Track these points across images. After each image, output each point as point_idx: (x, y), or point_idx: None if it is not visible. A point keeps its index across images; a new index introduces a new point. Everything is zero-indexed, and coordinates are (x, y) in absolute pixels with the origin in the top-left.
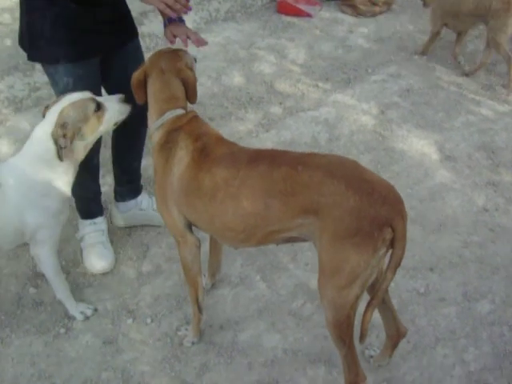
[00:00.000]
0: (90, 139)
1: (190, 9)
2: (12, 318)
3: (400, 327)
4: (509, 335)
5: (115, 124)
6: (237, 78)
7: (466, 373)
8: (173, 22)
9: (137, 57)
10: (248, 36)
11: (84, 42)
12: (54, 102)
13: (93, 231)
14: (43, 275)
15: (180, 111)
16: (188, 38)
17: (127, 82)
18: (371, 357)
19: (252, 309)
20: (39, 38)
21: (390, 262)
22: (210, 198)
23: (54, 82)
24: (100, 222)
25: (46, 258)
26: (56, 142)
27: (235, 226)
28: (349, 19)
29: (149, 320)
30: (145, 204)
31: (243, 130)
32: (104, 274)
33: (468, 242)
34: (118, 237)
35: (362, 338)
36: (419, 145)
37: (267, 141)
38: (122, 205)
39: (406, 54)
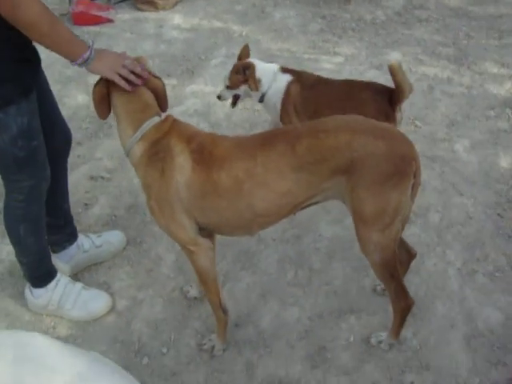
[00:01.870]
0: None
1: (145, 78)
2: None
3: (410, 250)
4: None
5: None
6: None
7: None
8: None
9: None
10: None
11: (28, 71)
12: None
13: (65, 286)
14: None
15: (157, 118)
16: None
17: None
18: (384, 290)
19: (253, 297)
20: None
21: (412, 190)
22: (234, 193)
23: (2, 131)
24: (60, 275)
25: None
26: None
27: (267, 211)
28: (151, 15)
29: (164, 350)
30: (87, 245)
31: None
32: (84, 329)
33: None
34: None
35: None
36: None
37: None
38: (63, 254)
39: (227, 34)
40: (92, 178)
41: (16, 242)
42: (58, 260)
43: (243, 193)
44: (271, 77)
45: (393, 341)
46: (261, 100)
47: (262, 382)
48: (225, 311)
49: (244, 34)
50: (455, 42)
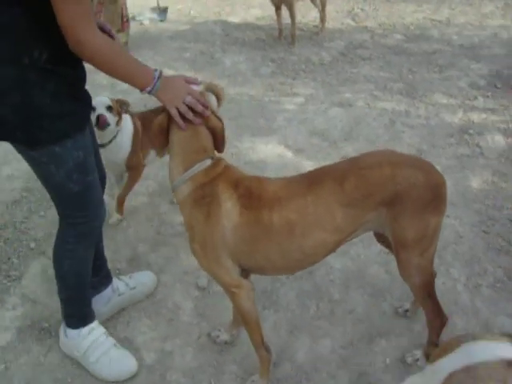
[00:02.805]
0: None
1: (205, 116)
2: None
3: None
4: None
5: None
6: None
7: None
8: None
9: None
10: None
11: (83, 107)
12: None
13: (97, 338)
14: None
15: (209, 161)
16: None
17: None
18: (406, 311)
19: (283, 334)
20: (39, 118)
21: None
22: (286, 235)
23: (59, 164)
24: (97, 325)
25: None
26: None
27: (316, 250)
28: None
29: None
30: (122, 287)
31: None
32: None
33: None
34: None
35: None
36: None
37: None
38: (98, 298)
39: None
40: None
41: (59, 276)
42: (95, 303)
43: (295, 234)
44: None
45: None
46: None
47: None
48: (267, 350)
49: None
50: (401, 77)
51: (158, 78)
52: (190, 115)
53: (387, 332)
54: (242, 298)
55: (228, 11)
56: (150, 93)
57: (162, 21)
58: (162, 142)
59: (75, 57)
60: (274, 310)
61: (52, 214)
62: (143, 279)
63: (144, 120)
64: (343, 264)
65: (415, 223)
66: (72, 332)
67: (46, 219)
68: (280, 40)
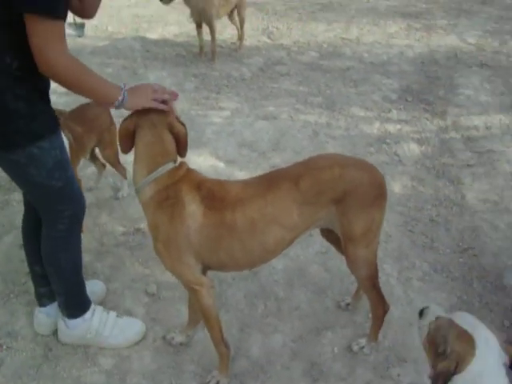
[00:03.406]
0: None
1: (177, 95)
2: None
3: None
4: None
5: None
6: None
7: None
8: None
9: None
10: None
11: (52, 109)
12: None
13: (102, 315)
14: None
15: (172, 165)
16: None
17: None
18: (348, 304)
19: (235, 333)
20: (15, 120)
21: None
22: (248, 233)
23: (39, 165)
24: (95, 305)
25: None
26: None
27: (276, 246)
28: None
29: None
30: None
31: None
32: None
33: None
34: None
35: None
36: None
37: None
38: (50, 308)
39: None
40: None
41: (55, 272)
42: (45, 315)
43: (256, 232)
44: None
45: (373, 343)
46: None
47: None
48: (227, 346)
49: None
50: (320, 91)
51: (124, 89)
52: (162, 106)
53: (332, 325)
54: (203, 295)
55: (145, 28)
56: (121, 103)
57: (79, 36)
58: (128, 147)
59: None
60: (224, 311)
61: None
62: (92, 288)
63: (76, 119)
64: (285, 265)
65: (362, 218)
66: (76, 321)
67: None
68: (200, 56)
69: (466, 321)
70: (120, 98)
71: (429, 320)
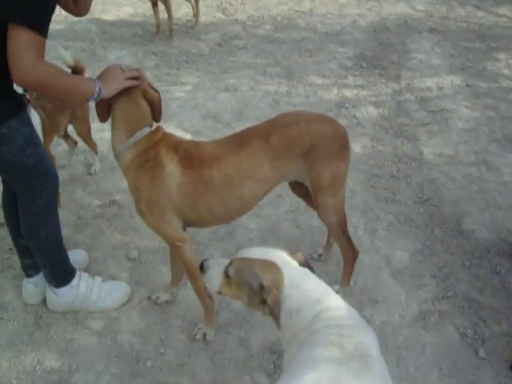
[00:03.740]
0: None
1: (141, 70)
2: None
3: None
4: None
5: None
6: None
7: None
8: None
9: None
10: None
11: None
12: None
13: (88, 281)
14: None
15: (149, 129)
16: None
17: None
18: (320, 255)
19: None
20: None
21: None
22: (226, 188)
23: (10, 143)
24: (80, 272)
25: None
26: None
27: (252, 198)
28: None
29: (162, 350)
30: None
31: None
32: (74, 356)
33: None
34: None
35: None
36: None
37: None
38: (38, 278)
39: None
40: None
41: (38, 246)
42: (33, 285)
43: (233, 186)
44: None
45: (345, 288)
46: None
47: (259, 349)
48: (210, 297)
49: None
50: (278, 62)
51: (97, 79)
52: (136, 82)
53: None
54: (185, 250)
55: (100, 10)
56: (99, 95)
57: None
58: (105, 116)
59: None
60: None
61: None
62: (75, 257)
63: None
64: (258, 224)
65: (328, 168)
66: (63, 289)
67: None
68: (158, 35)
69: (255, 252)
70: (97, 89)
71: (214, 271)
